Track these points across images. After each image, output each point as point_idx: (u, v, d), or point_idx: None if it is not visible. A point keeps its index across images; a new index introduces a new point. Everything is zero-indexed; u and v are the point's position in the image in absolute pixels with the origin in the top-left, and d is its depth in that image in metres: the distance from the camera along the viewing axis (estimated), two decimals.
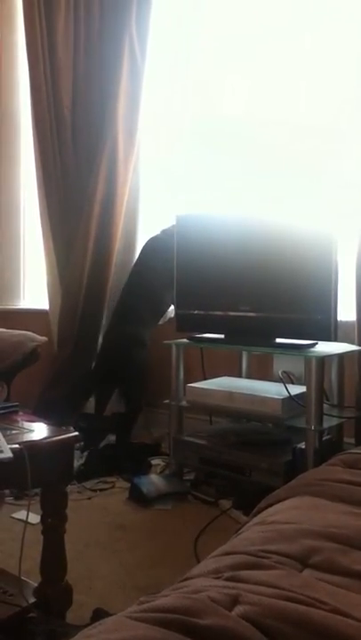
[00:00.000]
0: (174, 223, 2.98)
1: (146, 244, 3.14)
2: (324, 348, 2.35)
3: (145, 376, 2.89)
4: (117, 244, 3.30)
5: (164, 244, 3.00)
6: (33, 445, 1.34)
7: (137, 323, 2.90)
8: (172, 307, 3.09)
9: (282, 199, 2.45)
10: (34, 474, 1.30)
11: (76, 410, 3.24)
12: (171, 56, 3.30)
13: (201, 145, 3.23)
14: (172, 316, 3.07)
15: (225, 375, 2.82)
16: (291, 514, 1.08)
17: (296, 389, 2.35)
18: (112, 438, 2.97)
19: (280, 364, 2.62)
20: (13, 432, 1.42)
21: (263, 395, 2.32)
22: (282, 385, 2.35)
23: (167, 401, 2.62)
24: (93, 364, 3.23)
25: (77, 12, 3.36)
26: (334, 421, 2.36)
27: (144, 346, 2.88)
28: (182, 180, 3.27)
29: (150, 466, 2.72)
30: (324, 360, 2.22)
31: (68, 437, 1.45)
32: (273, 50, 2.97)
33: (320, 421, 2.19)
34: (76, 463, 2.60)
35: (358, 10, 2.64)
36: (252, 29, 3.04)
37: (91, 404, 3.19)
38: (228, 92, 3.15)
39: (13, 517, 2.15)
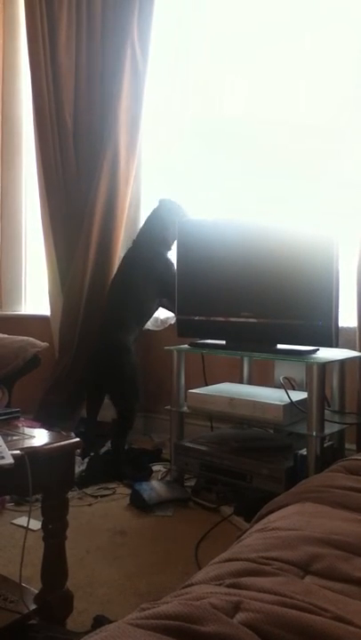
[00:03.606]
0: (143, 227, 3.05)
1: (127, 251, 3.16)
2: (326, 354, 2.35)
3: (135, 382, 2.89)
4: (119, 251, 3.31)
5: (138, 253, 3.04)
6: (34, 451, 1.34)
7: (119, 329, 2.92)
8: (171, 313, 3.10)
9: (282, 203, 2.45)
10: (35, 480, 1.30)
11: (76, 416, 3.24)
12: (171, 57, 3.32)
13: (201, 147, 3.24)
14: (173, 322, 3.08)
15: (226, 381, 2.82)
16: (292, 520, 1.08)
17: (297, 395, 2.34)
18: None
19: (281, 370, 2.62)
20: (14, 438, 1.42)
21: (264, 401, 2.32)
22: (283, 391, 2.35)
23: (168, 407, 2.62)
24: (85, 368, 3.24)
25: (79, 19, 3.38)
26: (336, 427, 2.35)
27: (129, 351, 2.89)
28: (183, 185, 3.28)
29: (151, 472, 2.71)
30: (325, 366, 2.21)
31: (69, 443, 1.45)
32: (273, 50, 2.99)
33: (321, 427, 2.19)
34: (77, 469, 2.60)
35: (358, 10, 2.65)
36: (252, 29, 3.05)
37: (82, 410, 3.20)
38: (228, 92, 3.16)
39: (14, 524, 2.15)
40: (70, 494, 1.87)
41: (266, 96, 3.01)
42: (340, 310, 2.26)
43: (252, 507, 2.00)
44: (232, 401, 2.40)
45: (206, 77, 3.23)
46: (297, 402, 2.28)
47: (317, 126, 2.84)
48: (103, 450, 2.90)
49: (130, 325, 2.95)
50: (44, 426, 2.29)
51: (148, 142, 3.39)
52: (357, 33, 2.64)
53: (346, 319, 2.53)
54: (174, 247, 2.73)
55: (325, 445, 2.26)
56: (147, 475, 2.67)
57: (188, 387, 2.60)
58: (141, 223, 3.36)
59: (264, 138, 3.01)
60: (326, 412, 2.28)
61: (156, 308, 3.10)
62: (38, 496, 1.51)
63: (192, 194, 3.23)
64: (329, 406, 2.46)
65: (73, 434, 2.83)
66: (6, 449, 1.27)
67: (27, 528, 1.43)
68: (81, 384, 3.19)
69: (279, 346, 2.39)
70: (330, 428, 2.28)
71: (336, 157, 2.76)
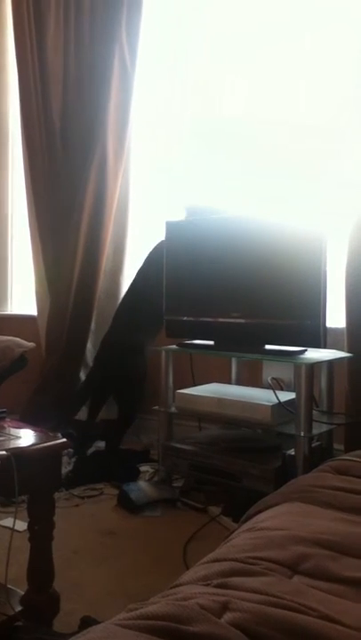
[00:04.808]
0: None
1: (155, 246, 2.94)
2: (314, 354, 2.35)
3: (142, 384, 2.87)
4: (107, 251, 3.30)
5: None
6: (20, 452, 1.33)
7: (136, 328, 2.88)
8: None
9: (270, 203, 2.44)
10: (21, 481, 1.29)
11: (64, 416, 3.21)
12: (170, 57, 3.31)
13: (201, 147, 3.22)
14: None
15: (215, 381, 2.82)
16: (281, 520, 1.08)
17: (286, 396, 2.35)
18: (100, 445, 2.95)
19: (270, 371, 2.62)
20: (0, 439, 1.41)
21: (253, 401, 2.32)
22: (271, 391, 2.35)
23: (156, 407, 2.61)
24: (90, 367, 3.21)
25: (67, 20, 3.37)
26: (324, 428, 2.36)
27: (142, 353, 2.86)
28: (183, 185, 3.26)
29: (139, 472, 2.70)
30: (313, 367, 2.22)
31: (56, 444, 1.44)
32: (273, 50, 2.98)
33: (310, 428, 2.19)
34: (64, 470, 2.58)
35: (358, 10, 2.65)
36: (251, 29, 3.04)
37: (81, 410, 3.17)
38: (228, 92, 3.15)
39: (0, 525, 2.13)
40: (57, 495, 1.86)
41: (266, 96, 3.00)
42: (328, 311, 2.26)
43: (241, 507, 2.00)
44: (220, 401, 2.39)
45: (206, 77, 3.21)
46: (285, 402, 2.28)
47: (317, 126, 2.83)
48: (91, 450, 2.88)
49: (146, 325, 2.91)
50: (30, 426, 2.28)
51: (147, 142, 3.38)
52: (357, 33, 2.63)
53: (334, 320, 2.54)
54: (166, 249, 2.69)
55: (314, 445, 2.26)
56: (134, 475, 2.66)
57: (177, 387, 2.60)
58: (130, 223, 3.36)
59: (264, 138, 3.00)
60: (314, 412, 2.29)
61: None
62: (24, 497, 1.50)
63: (192, 194, 3.22)
64: (317, 407, 2.46)
65: (60, 434, 2.81)
66: None
67: (12, 529, 1.42)
68: (68, 384, 3.17)
69: (267, 346, 2.39)
70: (318, 429, 2.28)
71: (335, 157, 2.76)
